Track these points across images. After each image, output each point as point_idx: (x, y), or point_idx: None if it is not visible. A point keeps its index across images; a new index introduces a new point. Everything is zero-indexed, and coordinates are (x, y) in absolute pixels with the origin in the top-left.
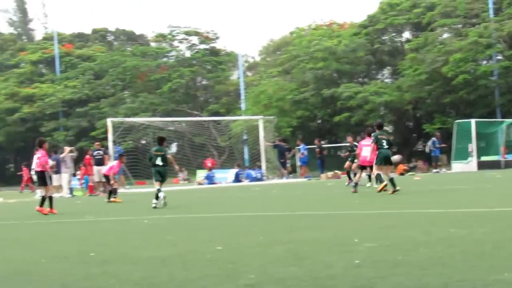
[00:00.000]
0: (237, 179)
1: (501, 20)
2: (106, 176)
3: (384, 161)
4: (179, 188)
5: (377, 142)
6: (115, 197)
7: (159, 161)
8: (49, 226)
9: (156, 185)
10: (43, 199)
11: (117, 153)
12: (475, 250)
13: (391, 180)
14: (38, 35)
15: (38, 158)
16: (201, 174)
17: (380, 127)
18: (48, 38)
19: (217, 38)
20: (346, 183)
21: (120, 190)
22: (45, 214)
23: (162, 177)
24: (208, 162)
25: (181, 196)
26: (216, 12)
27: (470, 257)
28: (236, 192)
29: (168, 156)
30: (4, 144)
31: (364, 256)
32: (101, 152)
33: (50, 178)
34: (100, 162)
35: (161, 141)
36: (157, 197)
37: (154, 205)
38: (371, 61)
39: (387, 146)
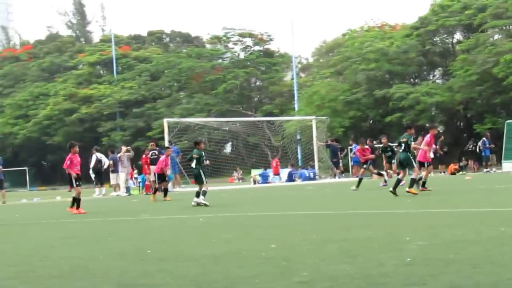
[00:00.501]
0: (291, 178)
1: None
2: (159, 175)
3: (400, 164)
4: (234, 187)
5: (399, 144)
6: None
7: (192, 164)
8: (106, 224)
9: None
10: (73, 199)
11: (173, 152)
12: None
13: (397, 182)
14: (96, 38)
15: (67, 160)
16: (255, 173)
17: (406, 129)
18: (105, 40)
19: (271, 39)
20: (381, 184)
21: (176, 189)
22: (74, 214)
23: (196, 178)
24: (274, 162)
25: (236, 195)
26: (270, 14)
27: None
28: (289, 191)
29: (203, 159)
30: (63, 144)
31: (415, 254)
32: (156, 151)
33: (76, 179)
34: (155, 162)
35: (196, 144)
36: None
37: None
38: (422, 62)
39: (401, 150)
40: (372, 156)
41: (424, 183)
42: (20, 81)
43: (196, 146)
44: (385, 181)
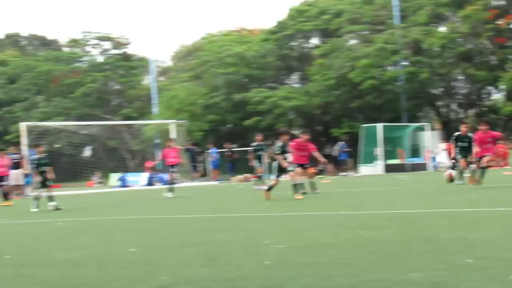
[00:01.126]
0: (150, 182)
1: (407, 27)
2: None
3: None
4: (93, 191)
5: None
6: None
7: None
8: None
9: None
10: None
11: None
12: (382, 251)
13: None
14: None
15: None
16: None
17: (279, 135)
18: None
19: (129, 43)
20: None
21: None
22: None
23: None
24: (149, 164)
25: (95, 199)
26: (128, 18)
27: (378, 258)
28: (148, 195)
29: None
30: None
31: (274, 257)
32: (16, 156)
33: None
34: (17, 166)
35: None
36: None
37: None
38: (280, 67)
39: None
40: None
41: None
42: None
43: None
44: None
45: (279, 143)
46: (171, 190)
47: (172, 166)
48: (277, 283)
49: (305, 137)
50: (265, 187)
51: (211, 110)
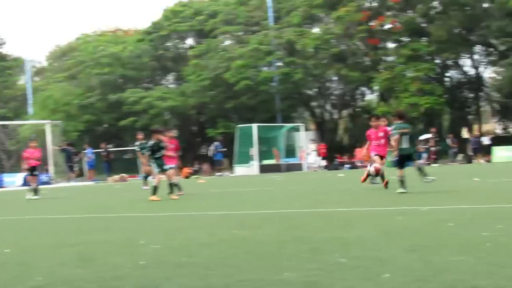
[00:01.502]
0: (26, 182)
1: (281, 28)
2: None
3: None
4: None
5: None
6: None
7: None
8: None
9: None
10: None
11: None
12: (257, 251)
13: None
14: None
15: None
16: None
17: (153, 133)
18: None
19: (4, 43)
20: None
21: None
22: None
23: None
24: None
25: None
26: (2, 17)
27: (253, 258)
28: (25, 195)
29: None
30: None
31: (150, 257)
32: None
33: None
34: None
35: None
36: None
37: None
38: (155, 67)
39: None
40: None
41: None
42: None
43: None
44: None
45: (150, 142)
46: (33, 191)
47: (34, 168)
48: (152, 283)
49: (170, 134)
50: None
51: (86, 111)
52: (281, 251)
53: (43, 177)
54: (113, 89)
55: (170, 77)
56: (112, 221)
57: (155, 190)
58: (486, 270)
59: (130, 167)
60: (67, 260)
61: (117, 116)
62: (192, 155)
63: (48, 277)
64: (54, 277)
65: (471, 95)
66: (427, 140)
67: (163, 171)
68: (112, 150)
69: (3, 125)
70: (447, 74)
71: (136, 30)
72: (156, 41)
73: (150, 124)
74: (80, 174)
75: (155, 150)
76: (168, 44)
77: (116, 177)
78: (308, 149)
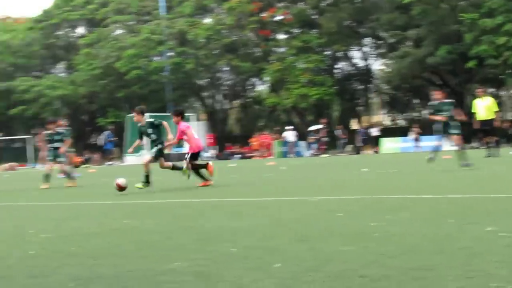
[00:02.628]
0: None
1: (173, 18)
2: None
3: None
4: None
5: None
6: None
7: None
8: None
9: None
10: None
11: None
12: (146, 240)
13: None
14: None
15: None
16: None
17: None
18: None
19: None
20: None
21: None
22: None
23: None
24: None
25: None
26: None
27: (142, 247)
28: None
29: None
30: None
31: (40, 247)
32: None
33: None
34: None
35: None
36: None
37: None
38: (46, 55)
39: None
40: None
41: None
42: None
43: None
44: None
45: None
46: None
47: None
48: (41, 272)
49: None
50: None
51: None
52: (170, 241)
53: None
54: (3, 78)
55: (61, 66)
56: (1, 210)
57: (46, 178)
58: (374, 260)
59: (19, 156)
60: None
61: (6, 105)
62: (82, 144)
63: None
64: None
65: (361, 86)
66: (317, 131)
67: (55, 160)
68: (2, 139)
69: None
70: (337, 66)
71: (26, 18)
72: (46, 29)
73: (40, 113)
74: None
75: (51, 140)
76: (59, 32)
77: (5, 165)
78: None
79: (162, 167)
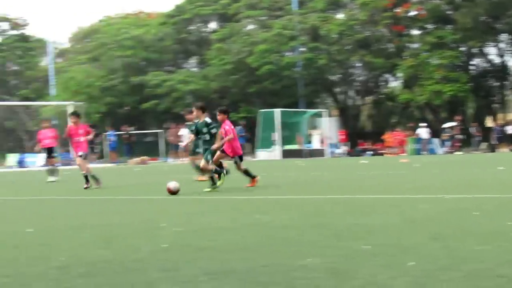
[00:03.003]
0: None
1: (305, 13)
2: None
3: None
4: None
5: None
6: None
7: None
8: None
9: None
10: None
11: None
12: (279, 236)
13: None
14: None
15: None
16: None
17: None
18: None
19: (27, 24)
20: None
21: None
22: None
23: None
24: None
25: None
26: None
27: (275, 243)
28: (45, 177)
29: None
30: None
31: (171, 240)
32: None
33: None
34: None
35: None
36: None
37: None
38: (178, 50)
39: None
40: None
41: None
42: None
43: None
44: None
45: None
46: (52, 173)
47: (49, 149)
48: (173, 266)
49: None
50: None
51: (108, 93)
52: (303, 237)
53: (62, 158)
54: (136, 72)
55: (193, 61)
56: (133, 204)
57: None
58: (511, 259)
59: (151, 150)
60: (89, 242)
61: (139, 99)
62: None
63: (70, 258)
64: (76, 258)
65: (496, 83)
66: (451, 128)
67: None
68: (134, 133)
69: (25, 106)
70: (472, 62)
71: (159, 13)
72: (179, 24)
73: (171, 107)
74: (101, 156)
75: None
76: (191, 27)
77: (137, 159)
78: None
79: (205, 169)
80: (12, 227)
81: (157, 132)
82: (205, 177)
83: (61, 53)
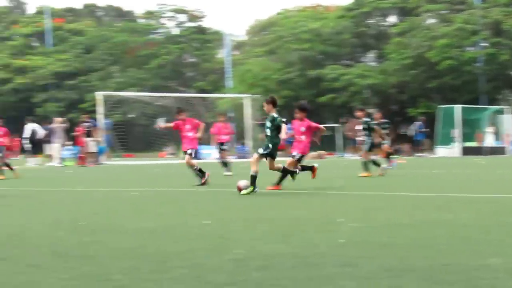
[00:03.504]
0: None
1: (487, 7)
2: None
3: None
4: (165, 162)
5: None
6: None
7: None
8: (40, 194)
9: None
10: None
11: (106, 125)
12: (460, 235)
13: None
14: (31, 9)
15: None
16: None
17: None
18: (40, 12)
19: (204, 16)
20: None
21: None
22: None
23: None
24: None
25: (167, 169)
26: None
27: (455, 241)
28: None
29: None
30: None
31: (349, 236)
32: (87, 124)
33: None
34: (89, 134)
35: None
36: None
37: None
38: (356, 44)
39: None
40: None
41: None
42: None
43: None
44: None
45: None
46: (225, 166)
47: (222, 143)
48: (352, 262)
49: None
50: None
51: (285, 86)
52: (485, 236)
53: (237, 151)
54: (312, 65)
55: (371, 55)
56: (309, 198)
57: (366, 166)
58: None
59: (327, 144)
60: (265, 235)
61: (315, 92)
62: (392, 134)
63: (246, 250)
64: (253, 251)
65: None
66: None
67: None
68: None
69: (202, 98)
70: None
71: (337, 7)
72: (357, 17)
73: (348, 101)
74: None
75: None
76: (370, 21)
77: (314, 153)
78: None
79: (272, 168)
80: (190, 219)
81: (333, 127)
82: (370, 173)
83: (238, 46)
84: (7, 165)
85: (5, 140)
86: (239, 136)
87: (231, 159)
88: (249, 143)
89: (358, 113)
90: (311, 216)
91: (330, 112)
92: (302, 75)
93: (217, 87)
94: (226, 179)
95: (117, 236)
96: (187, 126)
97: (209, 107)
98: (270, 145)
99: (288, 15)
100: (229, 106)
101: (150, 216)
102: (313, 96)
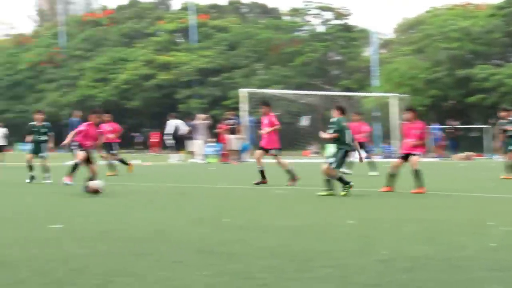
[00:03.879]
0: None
1: None
2: None
3: None
4: (309, 161)
5: None
6: None
7: None
8: (184, 191)
9: None
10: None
11: (250, 123)
12: None
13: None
14: (175, 5)
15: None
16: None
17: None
18: (184, 8)
19: (350, 14)
20: None
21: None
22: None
23: None
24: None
25: (312, 167)
26: None
27: None
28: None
29: None
30: (141, 109)
31: (500, 239)
32: (231, 121)
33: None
34: (233, 131)
35: None
36: None
37: None
38: (507, 43)
39: None
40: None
41: None
42: (100, 45)
43: None
44: None
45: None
46: (371, 167)
47: (361, 144)
48: (502, 266)
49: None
50: None
51: (433, 85)
52: None
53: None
54: (461, 65)
55: None
56: (456, 200)
57: (509, 168)
58: None
59: (476, 145)
60: (410, 236)
61: (464, 93)
62: None
63: (391, 252)
64: (398, 252)
65: None
66: None
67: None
68: (459, 127)
69: (347, 96)
70: None
71: (488, 5)
72: (509, 16)
73: (498, 102)
74: (427, 151)
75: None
76: None
77: (462, 155)
78: None
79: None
80: (335, 218)
81: (482, 128)
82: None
83: (385, 44)
84: (122, 161)
85: (114, 136)
86: (385, 136)
87: (376, 159)
88: (395, 142)
89: (502, 113)
90: (459, 218)
91: (479, 113)
92: (450, 75)
93: (363, 85)
94: (371, 179)
95: (261, 234)
96: (265, 121)
97: (354, 106)
98: (337, 155)
99: (437, 13)
100: (374, 105)
101: (294, 215)
102: (462, 96)
